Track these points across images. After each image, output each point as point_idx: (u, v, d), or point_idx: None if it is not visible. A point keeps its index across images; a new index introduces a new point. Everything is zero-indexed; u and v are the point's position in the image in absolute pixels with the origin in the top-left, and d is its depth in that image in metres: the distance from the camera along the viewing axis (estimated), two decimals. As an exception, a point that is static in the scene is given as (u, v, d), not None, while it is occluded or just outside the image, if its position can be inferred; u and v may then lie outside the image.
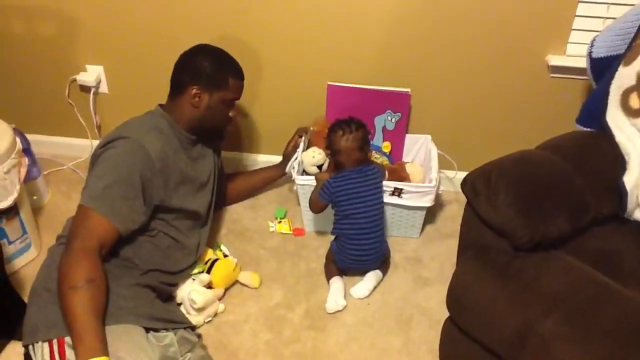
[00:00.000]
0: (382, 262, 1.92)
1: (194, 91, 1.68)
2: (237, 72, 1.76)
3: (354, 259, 1.84)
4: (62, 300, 1.35)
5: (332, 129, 1.89)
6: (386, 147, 2.17)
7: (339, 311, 1.80)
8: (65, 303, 1.34)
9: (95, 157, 1.59)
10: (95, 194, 1.50)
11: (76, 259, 1.39)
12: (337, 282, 1.85)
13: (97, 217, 1.47)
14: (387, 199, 1.93)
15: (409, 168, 2.08)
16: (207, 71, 1.69)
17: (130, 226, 1.53)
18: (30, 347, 1.42)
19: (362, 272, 1.90)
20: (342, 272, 1.91)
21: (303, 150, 2.08)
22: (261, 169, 2.23)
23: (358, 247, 1.83)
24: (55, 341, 1.37)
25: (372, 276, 1.88)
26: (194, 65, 1.70)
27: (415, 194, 1.94)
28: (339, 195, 1.82)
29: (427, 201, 1.96)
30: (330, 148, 1.91)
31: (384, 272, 1.92)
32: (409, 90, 2.08)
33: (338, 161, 1.88)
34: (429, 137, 2.15)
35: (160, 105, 1.76)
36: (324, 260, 1.95)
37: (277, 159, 2.19)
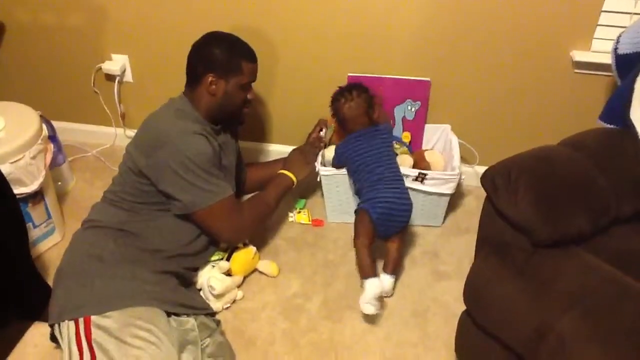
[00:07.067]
0: (409, 218, 1.82)
1: (210, 79, 1.69)
2: (249, 55, 1.76)
3: (389, 203, 1.75)
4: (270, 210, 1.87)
5: (335, 98, 1.90)
6: (406, 137, 2.18)
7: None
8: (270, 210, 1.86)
9: (164, 165, 1.58)
10: (201, 196, 1.61)
11: (243, 229, 1.77)
12: (373, 282, 1.71)
13: (217, 205, 1.63)
14: (409, 184, 1.93)
15: (428, 156, 2.08)
16: (220, 58, 1.69)
17: (233, 183, 1.80)
18: (56, 326, 1.46)
19: (399, 228, 1.80)
20: (374, 241, 1.78)
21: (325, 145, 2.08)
22: (281, 159, 2.24)
23: (387, 190, 1.77)
24: (81, 320, 1.41)
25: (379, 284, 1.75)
26: (207, 55, 1.70)
27: (438, 181, 1.94)
28: (347, 155, 1.86)
29: (449, 188, 1.96)
30: (336, 117, 1.91)
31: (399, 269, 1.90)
32: (429, 79, 2.08)
33: (346, 129, 1.90)
34: (448, 126, 2.15)
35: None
36: (342, 251, 1.96)
37: (297, 149, 2.20)
